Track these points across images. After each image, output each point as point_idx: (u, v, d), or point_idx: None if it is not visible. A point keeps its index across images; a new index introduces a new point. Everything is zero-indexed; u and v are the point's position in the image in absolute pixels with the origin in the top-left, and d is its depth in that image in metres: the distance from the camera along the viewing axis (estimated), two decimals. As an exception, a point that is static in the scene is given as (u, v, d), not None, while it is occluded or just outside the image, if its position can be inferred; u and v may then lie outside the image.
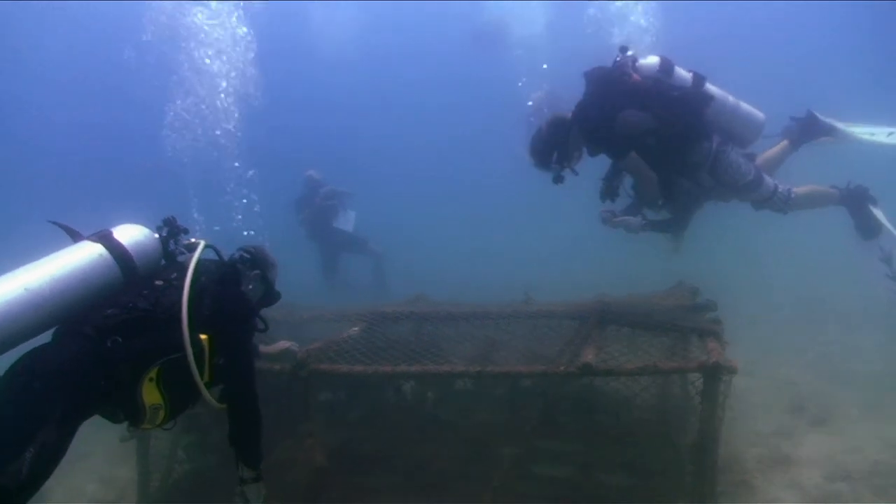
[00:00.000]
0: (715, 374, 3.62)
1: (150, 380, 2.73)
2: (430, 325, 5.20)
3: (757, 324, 9.07)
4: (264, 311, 3.46)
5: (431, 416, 4.82)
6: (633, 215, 4.90)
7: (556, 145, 4.43)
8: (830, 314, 9.59)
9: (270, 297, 3.55)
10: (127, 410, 2.80)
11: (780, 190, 4.54)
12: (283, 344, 4.47)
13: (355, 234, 10.46)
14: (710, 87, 4.33)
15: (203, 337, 2.88)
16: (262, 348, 4.33)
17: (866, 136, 4.93)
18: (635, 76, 4.22)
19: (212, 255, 3.38)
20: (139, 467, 5.13)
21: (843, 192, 4.76)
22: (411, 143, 25.23)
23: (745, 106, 4.46)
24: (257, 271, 3.42)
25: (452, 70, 23.35)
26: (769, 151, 4.97)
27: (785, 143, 5.02)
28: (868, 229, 4.74)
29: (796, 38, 18.79)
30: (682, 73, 4.32)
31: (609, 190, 4.68)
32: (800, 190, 4.61)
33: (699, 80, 4.30)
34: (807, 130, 4.92)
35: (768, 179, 4.51)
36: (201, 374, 2.87)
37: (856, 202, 4.74)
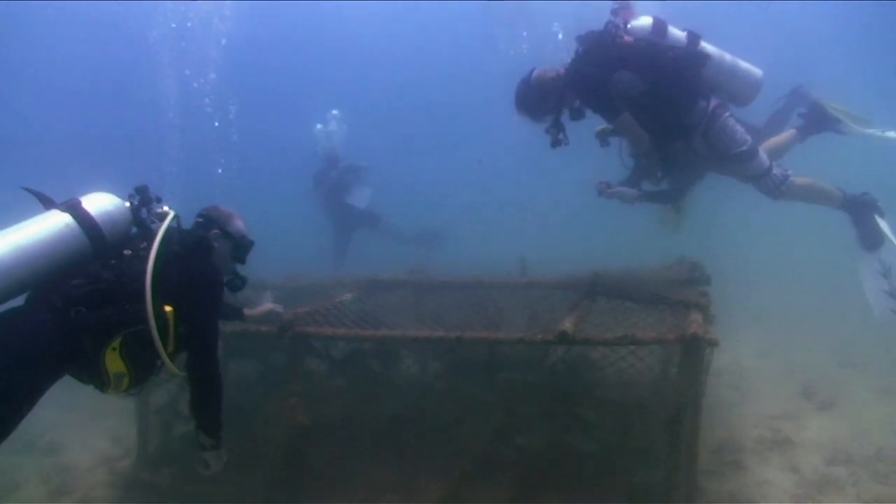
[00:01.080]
0: (693, 345, 3.49)
1: (114, 349, 2.74)
2: (422, 293, 5.18)
3: (776, 307, 8.78)
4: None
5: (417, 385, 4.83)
6: (631, 187, 4.77)
7: (548, 102, 4.34)
8: (853, 300, 9.19)
9: (241, 248, 3.47)
10: (91, 376, 2.83)
11: (775, 171, 4.29)
12: (267, 306, 4.51)
13: (370, 210, 10.38)
14: (706, 46, 4.16)
15: (168, 309, 2.86)
16: (247, 311, 4.37)
17: (876, 133, 4.70)
18: (627, 38, 4.07)
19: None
20: (138, 424, 5.29)
21: (849, 197, 4.48)
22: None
23: (743, 63, 4.25)
24: (215, 230, 3.36)
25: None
26: (775, 138, 4.77)
27: (792, 131, 4.84)
28: (870, 240, 4.49)
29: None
30: (677, 34, 4.15)
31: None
32: (799, 180, 4.35)
33: (694, 39, 4.12)
34: (814, 122, 4.75)
35: (764, 157, 4.27)
36: (165, 345, 2.86)
37: (861, 210, 4.48)
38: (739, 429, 5.38)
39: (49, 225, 2.76)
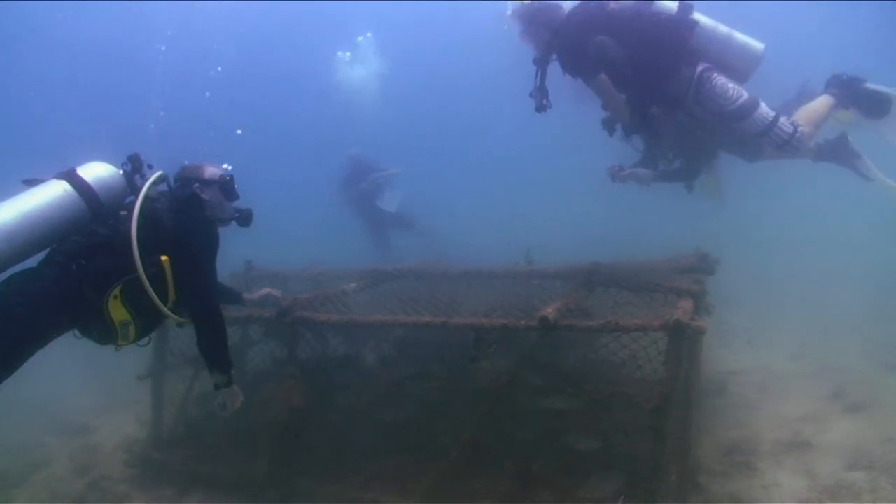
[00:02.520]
0: (678, 333, 3.34)
1: (115, 297, 3.03)
2: (425, 283, 5.17)
3: (816, 306, 8.30)
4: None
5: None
6: (646, 168, 4.73)
7: (538, 30, 4.31)
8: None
9: (227, 188, 3.66)
10: (99, 328, 3.11)
11: (782, 122, 4.02)
12: (265, 290, 4.64)
13: (402, 213, 10.45)
14: (699, 16, 4.00)
15: (164, 258, 3.15)
16: (246, 295, 4.52)
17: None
18: (612, 6, 4.02)
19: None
20: (153, 405, 5.51)
21: (836, 90, 4.32)
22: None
23: (739, 36, 4.04)
24: (196, 184, 3.54)
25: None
26: (807, 105, 4.48)
27: (827, 98, 4.49)
28: (877, 105, 4.31)
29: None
30: (667, 3, 4.04)
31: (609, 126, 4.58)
32: (802, 121, 4.12)
33: (686, 8, 3.98)
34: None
35: (766, 110, 4.03)
36: (165, 293, 3.17)
37: (848, 90, 4.35)
38: (757, 430, 5.10)
39: (49, 193, 3.03)
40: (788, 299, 9.38)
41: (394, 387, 4.56)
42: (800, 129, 4.05)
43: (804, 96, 4.51)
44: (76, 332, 3.18)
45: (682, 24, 3.97)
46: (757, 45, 4.06)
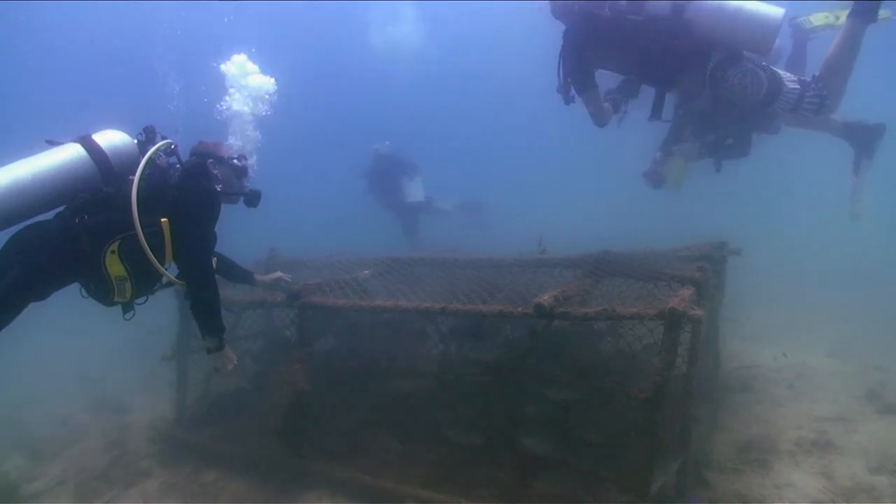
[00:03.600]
0: (674, 321, 3.22)
1: (112, 252, 3.22)
2: (435, 270, 5.17)
3: (860, 305, 7.86)
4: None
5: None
6: (672, 145, 4.77)
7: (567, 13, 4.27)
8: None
9: (240, 168, 3.85)
10: (97, 283, 3.30)
11: (810, 93, 3.88)
12: (276, 274, 4.73)
13: (429, 201, 10.63)
14: (697, 4, 3.82)
15: (164, 220, 3.32)
16: (258, 276, 4.63)
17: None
18: (606, 12, 3.95)
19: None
20: (177, 385, 5.72)
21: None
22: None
23: (749, 8, 3.75)
24: (210, 160, 3.71)
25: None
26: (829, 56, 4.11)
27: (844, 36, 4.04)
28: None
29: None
30: (660, 5, 3.91)
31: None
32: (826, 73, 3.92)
33: (678, 9, 3.84)
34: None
35: (789, 82, 3.88)
36: (162, 254, 3.33)
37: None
38: (779, 428, 4.88)
39: (63, 155, 3.25)
40: (829, 295, 8.93)
41: (402, 373, 4.60)
42: (823, 89, 3.88)
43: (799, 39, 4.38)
44: (82, 291, 3.38)
45: (673, 27, 3.87)
46: (772, 12, 3.75)
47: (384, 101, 25.13)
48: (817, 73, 3.94)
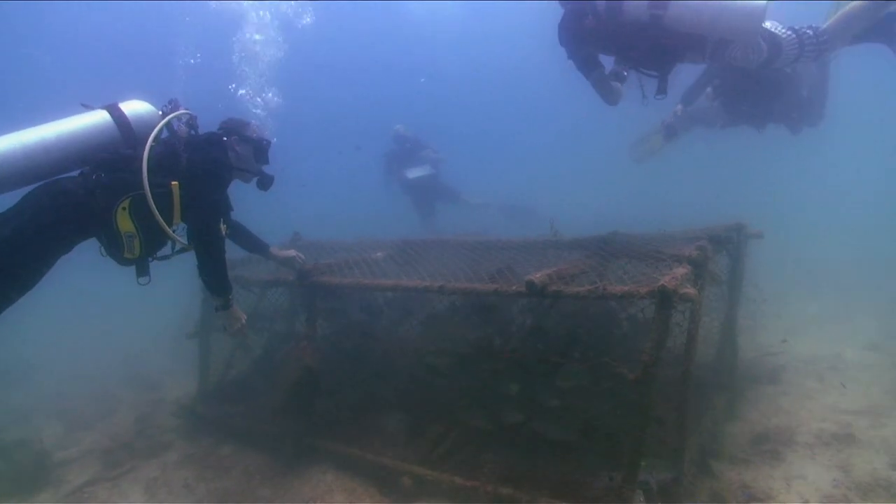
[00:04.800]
0: (664, 300, 3.11)
1: (123, 209, 3.41)
2: (446, 252, 5.15)
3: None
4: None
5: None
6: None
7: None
8: None
9: (261, 149, 4.03)
10: (108, 238, 3.49)
11: (808, 43, 3.88)
12: (290, 252, 4.83)
13: (448, 186, 10.56)
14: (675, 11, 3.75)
15: (174, 183, 3.50)
16: (273, 249, 4.75)
17: None
18: (590, 20, 3.98)
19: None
20: (200, 362, 5.91)
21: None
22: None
23: (733, 6, 3.66)
24: (234, 136, 3.93)
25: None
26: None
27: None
28: None
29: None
30: (636, 9, 3.86)
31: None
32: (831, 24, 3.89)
33: (656, 17, 3.77)
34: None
35: (789, 41, 3.87)
36: (170, 215, 3.52)
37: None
38: (801, 420, 4.65)
39: (89, 119, 3.50)
40: (873, 285, 8.45)
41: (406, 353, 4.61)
42: (819, 29, 3.91)
43: None
44: (101, 250, 3.57)
45: (650, 31, 3.86)
46: (754, 5, 3.62)
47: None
48: (824, 26, 3.86)
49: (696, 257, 3.37)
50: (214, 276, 3.79)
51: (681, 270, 3.27)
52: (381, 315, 5.31)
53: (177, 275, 4.66)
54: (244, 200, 4.31)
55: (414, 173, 10.31)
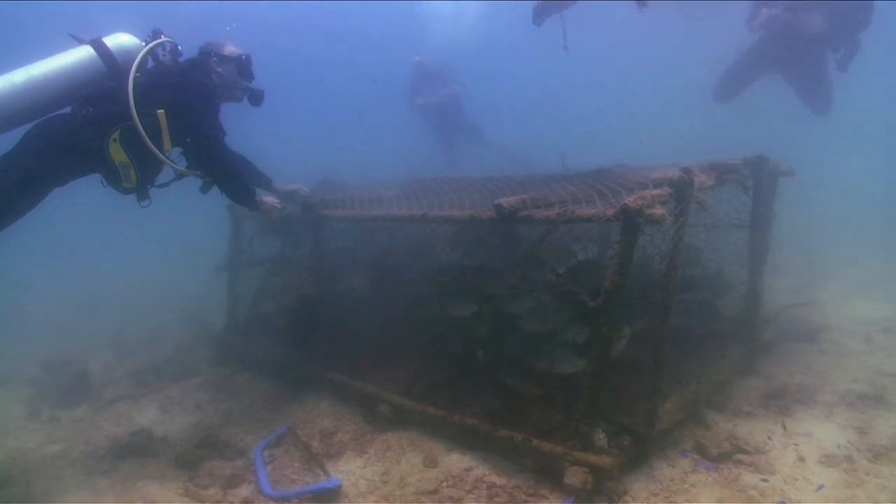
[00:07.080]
0: (628, 220, 2.84)
1: (115, 140, 3.55)
2: (454, 188, 5.02)
3: None
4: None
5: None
6: None
7: None
8: None
9: (243, 66, 4.09)
10: (105, 170, 3.65)
11: None
12: (294, 185, 4.85)
13: (469, 122, 10.21)
14: None
15: (160, 111, 3.60)
16: (276, 183, 4.79)
17: None
18: None
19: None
20: (228, 295, 6.13)
21: None
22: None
23: None
24: (213, 58, 4.00)
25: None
26: None
27: None
28: None
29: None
30: None
31: None
32: None
33: None
34: None
35: None
36: (160, 142, 3.64)
37: None
38: (830, 379, 4.18)
39: (75, 55, 3.62)
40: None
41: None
42: None
43: None
44: (102, 181, 3.72)
45: None
46: None
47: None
48: None
49: (678, 179, 3.04)
50: (236, 191, 3.97)
51: (653, 192, 2.97)
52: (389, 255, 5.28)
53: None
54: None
55: (422, 98, 10.12)
